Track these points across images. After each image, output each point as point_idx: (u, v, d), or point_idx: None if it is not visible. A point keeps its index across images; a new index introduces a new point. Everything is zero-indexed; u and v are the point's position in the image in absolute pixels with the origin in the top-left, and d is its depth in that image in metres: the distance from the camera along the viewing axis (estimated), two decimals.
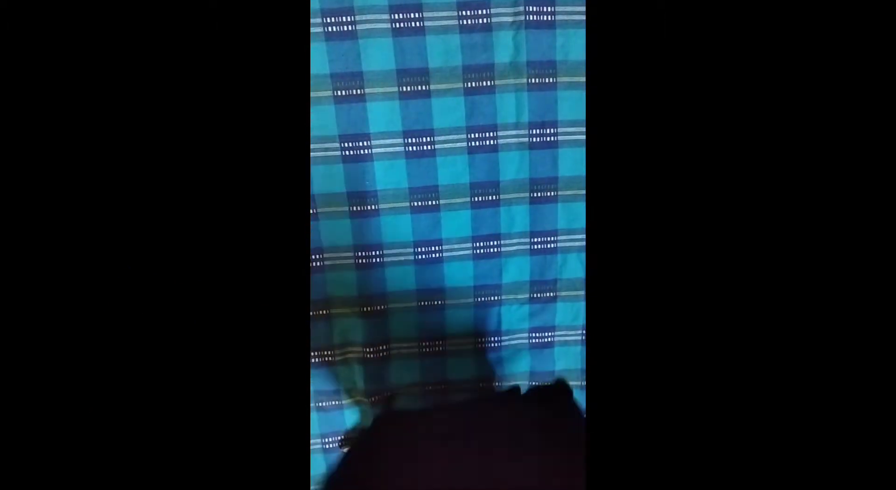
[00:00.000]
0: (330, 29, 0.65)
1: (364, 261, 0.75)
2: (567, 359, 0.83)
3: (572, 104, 0.70)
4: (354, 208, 0.73)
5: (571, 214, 0.75)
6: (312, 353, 0.77)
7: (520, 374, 0.83)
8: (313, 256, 0.74)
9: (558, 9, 0.67)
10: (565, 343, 0.82)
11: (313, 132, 0.68)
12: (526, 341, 0.81)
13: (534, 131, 0.71)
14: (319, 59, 0.67)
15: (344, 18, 0.65)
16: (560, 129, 0.72)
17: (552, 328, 0.81)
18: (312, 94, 0.67)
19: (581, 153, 0.72)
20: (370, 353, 0.79)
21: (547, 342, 0.82)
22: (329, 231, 0.73)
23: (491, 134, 0.71)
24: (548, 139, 0.72)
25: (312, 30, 0.65)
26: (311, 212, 0.71)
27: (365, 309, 0.77)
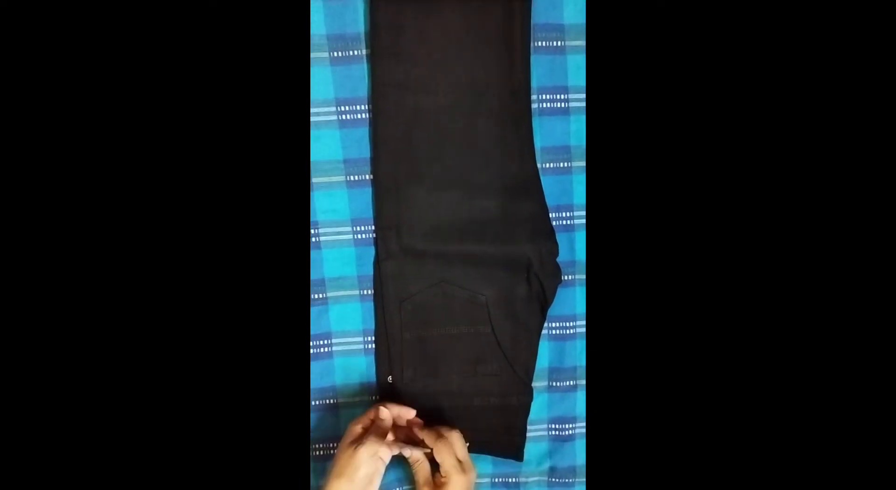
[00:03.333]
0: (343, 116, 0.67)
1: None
2: None
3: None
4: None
5: None
6: None
7: (538, 470, 0.78)
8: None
9: (571, 96, 0.68)
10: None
11: None
12: (545, 433, 0.77)
13: (551, 215, 0.70)
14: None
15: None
16: (576, 213, 0.71)
17: (573, 419, 0.77)
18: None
19: None
20: None
21: (568, 435, 0.77)
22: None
23: None
24: (564, 222, 0.71)
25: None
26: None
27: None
